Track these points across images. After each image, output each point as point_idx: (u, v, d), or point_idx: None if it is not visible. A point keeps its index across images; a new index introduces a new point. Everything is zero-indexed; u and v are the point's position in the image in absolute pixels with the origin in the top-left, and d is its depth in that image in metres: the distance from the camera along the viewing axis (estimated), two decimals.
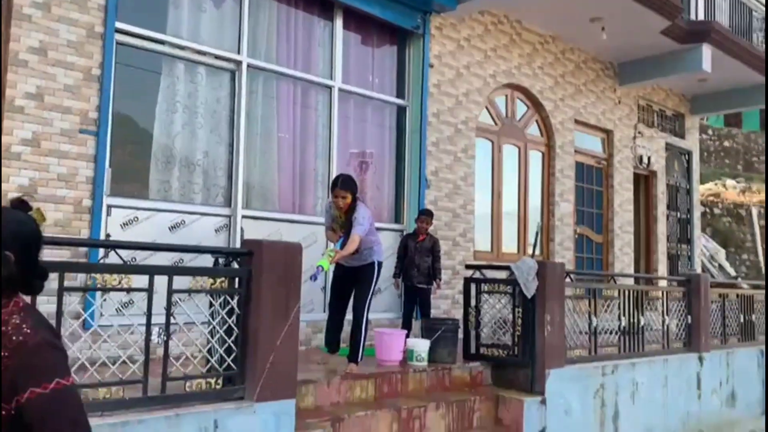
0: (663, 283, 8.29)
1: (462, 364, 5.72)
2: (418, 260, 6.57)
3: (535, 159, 9.32)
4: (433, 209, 7.51)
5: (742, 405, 7.93)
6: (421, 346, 5.54)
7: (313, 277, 4.61)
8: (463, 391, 5.48)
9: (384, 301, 7.14)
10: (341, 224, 5.26)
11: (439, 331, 5.68)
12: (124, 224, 5.34)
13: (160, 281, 3.52)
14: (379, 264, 5.44)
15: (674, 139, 11.96)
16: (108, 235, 5.18)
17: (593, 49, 9.92)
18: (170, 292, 3.53)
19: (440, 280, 6.76)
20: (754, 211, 17.88)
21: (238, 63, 6.16)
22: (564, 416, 5.59)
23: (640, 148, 11.01)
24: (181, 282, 3.64)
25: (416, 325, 6.85)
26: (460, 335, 5.94)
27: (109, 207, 5.25)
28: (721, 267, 15.64)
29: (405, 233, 7.17)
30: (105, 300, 4.45)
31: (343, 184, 5.16)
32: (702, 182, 16.30)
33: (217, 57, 6.05)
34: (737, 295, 8.60)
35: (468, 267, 6.60)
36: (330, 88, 6.90)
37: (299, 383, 4.33)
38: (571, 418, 5.65)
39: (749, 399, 8.08)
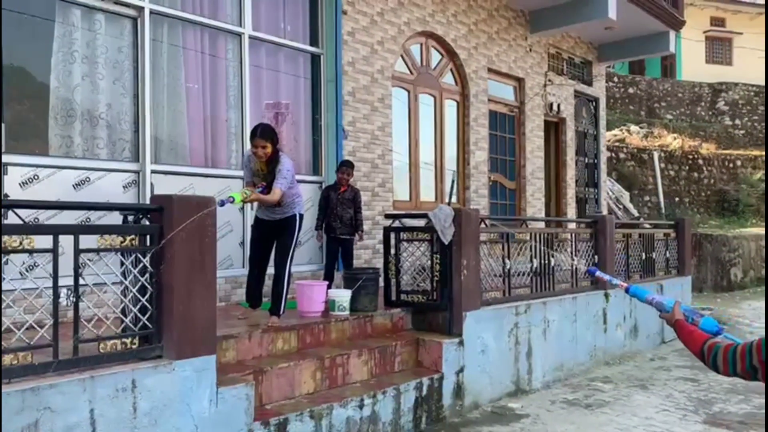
0: (572, 226, 8.68)
1: (383, 311, 5.83)
2: (341, 211, 6.58)
3: (451, 108, 9.41)
4: (351, 160, 7.50)
5: (643, 337, 8.52)
6: (343, 295, 5.60)
7: (221, 203, 4.32)
8: (385, 337, 5.61)
9: (305, 253, 7.13)
10: (263, 177, 5.13)
11: (360, 280, 5.75)
12: (23, 183, 5.03)
13: (66, 242, 3.36)
14: (301, 216, 5.39)
15: (582, 86, 12.36)
16: (6, 195, 4.87)
17: None
18: (77, 252, 3.38)
19: (362, 231, 6.81)
20: (656, 155, 18.86)
21: (140, 9, 5.81)
22: (481, 355, 5.83)
23: (550, 95, 11.32)
24: (88, 242, 3.48)
25: (338, 275, 6.91)
26: (382, 284, 6.04)
27: (5, 165, 4.91)
28: (625, 209, 16.50)
29: (326, 185, 7.13)
30: (6, 263, 4.21)
31: (263, 134, 5.02)
32: (608, 128, 16.98)
33: (116, 2, 5.69)
34: (639, 235, 9.13)
35: (387, 216, 6.67)
36: (240, 35, 6.66)
37: (220, 339, 4.30)
38: (488, 357, 5.90)
39: (649, 331, 8.69)
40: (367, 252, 7.70)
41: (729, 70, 27.75)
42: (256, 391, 4.18)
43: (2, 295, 3.10)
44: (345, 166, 6.75)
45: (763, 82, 25.91)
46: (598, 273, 3.51)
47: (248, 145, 6.53)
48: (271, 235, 5.36)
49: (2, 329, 3.09)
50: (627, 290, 2.97)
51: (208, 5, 6.45)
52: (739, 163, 20.81)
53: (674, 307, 2.57)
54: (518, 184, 10.79)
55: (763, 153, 21.75)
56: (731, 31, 28.38)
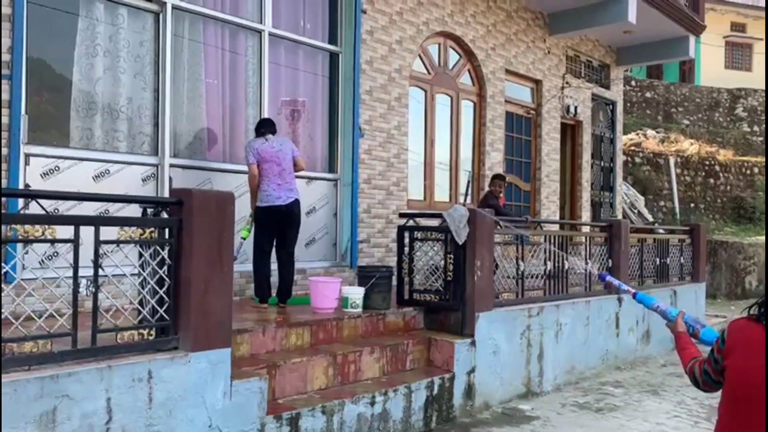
0: (586, 229, 8.66)
1: (396, 309, 5.85)
2: None
3: (467, 108, 9.41)
4: (366, 159, 7.55)
5: (656, 342, 8.48)
6: (356, 293, 5.63)
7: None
8: (397, 336, 5.63)
9: (319, 250, 7.17)
10: None
11: (373, 278, 5.77)
12: (44, 174, 5.11)
13: (87, 233, 3.41)
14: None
15: (600, 89, 12.31)
16: (27, 185, 4.95)
17: None
18: (97, 242, 3.43)
19: None
20: (672, 161, 18.73)
21: (163, 4, 5.87)
22: (492, 356, 5.84)
23: (567, 98, 11.28)
24: (108, 233, 3.53)
25: (351, 273, 6.95)
26: (395, 282, 6.06)
27: (27, 156, 4.99)
28: (640, 213, 16.41)
29: (349, 184, 7.17)
30: (27, 252, 4.28)
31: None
32: (624, 132, 16.90)
33: None
34: (654, 240, 9.08)
35: (401, 215, 6.69)
36: (260, 32, 6.70)
37: (234, 332, 4.33)
38: (499, 358, 5.91)
39: (662, 336, 8.63)
40: (381, 250, 7.73)
41: (749, 76, 27.50)
42: (269, 385, 4.21)
43: (24, 284, 3.15)
44: (496, 180, 8.00)
45: None
46: (609, 278, 3.52)
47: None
48: (282, 224, 5.77)
49: (19, 319, 3.14)
50: (634, 296, 2.97)
51: (230, 2, 6.51)
52: (756, 170, 20.61)
53: (677, 317, 2.56)
54: (533, 186, 10.77)
55: None
56: (752, 36, 28.12)
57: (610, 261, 7.71)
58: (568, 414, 5.74)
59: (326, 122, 7.45)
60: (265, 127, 5.79)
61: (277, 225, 5.67)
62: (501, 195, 8.17)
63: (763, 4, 30.10)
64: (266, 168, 5.62)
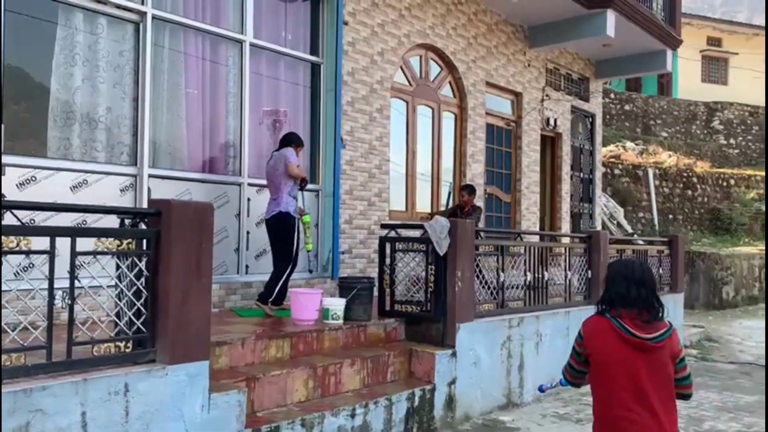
0: (566, 240, 8.72)
1: (377, 320, 5.83)
2: None
3: (448, 120, 9.46)
4: (348, 169, 7.55)
5: None
6: (337, 304, 5.60)
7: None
8: (378, 347, 5.61)
9: (300, 260, 7.12)
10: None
11: (354, 289, 5.75)
12: (20, 184, 5.04)
13: (63, 244, 3.36)
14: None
15: (579, 102, 12.45)
16: (3, 195, 4.87)
17: (504, 11, 10.09)
18: (74, 254, 3.38)
19: None
20: (651, 172, 18.97)
21: (143, 14, 5.85)
22: (473, 367, 5.84)
23: (547, 110, 11.39)
24: (85, 244, 3.49)
25: (332, 284, 6.92)
26: (376, 293, 6.04)
27: (3, 165, 4.92)
28: (619, 225, 16.57)
29: (325, 193, 7.17)
30: (1, 264, 4.20)
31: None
32: (604, 144, 17.09)
33: (119, 7, 5.71)
34: (633, 251, 9.17)
35: (383, 226, 6.69)
36: (241, 42, 6.69)
37: (213, 345, 4.30)
38: (480, 369, 5.91)
39: None
40: (362, 261, 7.71)
41: (724, 90, 27.98)
42: (248, 397, 4.17)
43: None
44: (464, 190, 8.08)
45: (758, 103, 26.15)
46: (546, 388, 3.86)
47: (247, 151, 6.65)
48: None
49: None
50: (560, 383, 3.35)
51: (210, 12, 6.49)
52: (732, 182, 20.95)
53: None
54: (514, 198, 10.84)
55: (757, 173, 21.90)
56: (727, 51, 28.64)
57: (589, 272, 7.76)
58: (549, 425, 5.75)
59: (308, 133, 7.43)
60: (280, 144, 6.27)
61: (269, 236, 6.13)
62: (469, 204, 8.14)
63: (738, 19, 30.68)
64: (267, 184, 6.24)
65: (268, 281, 5.99)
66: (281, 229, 6.00)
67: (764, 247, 17.18)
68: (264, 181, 6.83)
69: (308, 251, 6.31)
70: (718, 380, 7.69)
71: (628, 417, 2.71)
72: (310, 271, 6.76)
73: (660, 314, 2.80)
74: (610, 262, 3.90)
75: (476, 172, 9.77)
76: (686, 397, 2.87)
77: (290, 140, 6.20)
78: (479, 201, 9.78)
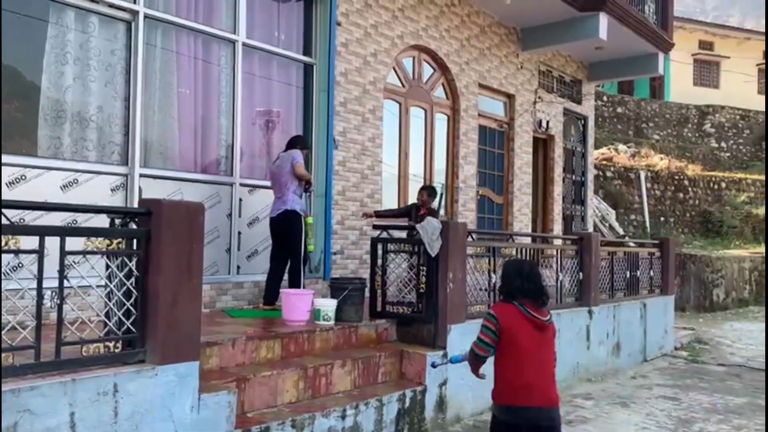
0: (558, 242, 8.74)
1: (368, 321, 5.83)
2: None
3: (441, 121, 9.47)
4: (341, 170, 7.55)
5: (626, 354, 8.57)
6: (328, 305, 5.60)
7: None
8: (369, 348, 5.60)
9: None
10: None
11: (346, 290, 5.75)
12: (10, 183, 5.01)
13: (52, 243, 3.34)
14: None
15: (571, 104, 12.49)
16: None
17: (498, 13, 10.11)
18: (63, 253, 3.36)
19: None
20: (642, 175, 19.05)
21: (135, 13, 5.82)
22: (464, 368, 5.82)
23: (539, 112, 11.42)
24: (75, 244, 3.47)
25: (324, 285, 6.92)
26: (368, 294, 6.04)
27: None
28: (611, 227, 16.63)
29: (317, 194, 7.15)
30: (1, 262, 4.17)
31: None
32: (596, 147, 17.14)
33: (111, 5, 5.69)
34: (624, 253, 9.21)
35: (375, 227, 6.69)
36: (233, 42, 6.68)
37: (203, 345, 4.28)
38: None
39: (632, 349, 8.74)
40: (354, 262, 7.71)
41: (716, 93, 28.16)
42: (238, 398, 4.16)
43: None
44: (423, 190, 7.56)
45: (749, 106, 26.32)
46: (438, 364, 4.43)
47: (239, 152, 6.64)
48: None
49: None
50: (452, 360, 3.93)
51: (203, 11, 6.48)
52: (723, 185, 21.07)
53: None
54: (506, 199, 10.86)
55: (748, 176, 22.03)
56: (719, 54, 28.82)
57: (580, 273, 7.78)
58: None
59: (300, 133, 7.42)
60: (287, 146, 6.44)
61: (274, 235, 6.27)
62: (426, 206, 7.57)
63: (730, 23, 30.83)
64: (271, 184, 6.41)
65: (290, 279, 6.18)
66: (288, 226, 6.15)
67: (755, 250, 17.29)
68: (256, 182, 6.84)
69: (310, 252, 6.34)
70: (708, 382, 7.73)
71: (535, 382, 3.41)
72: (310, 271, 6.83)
73: (546, 302, 3.55)
74: (506, 261, 4.36)
75: (468, 173, 9.78)
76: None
77: (296, 142, 6.42)
78: (471, 203, 9.81)
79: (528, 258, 6.95)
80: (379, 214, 7.53)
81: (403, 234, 6.20)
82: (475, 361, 3.71)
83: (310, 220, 6.30)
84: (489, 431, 3.79)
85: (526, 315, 3.45)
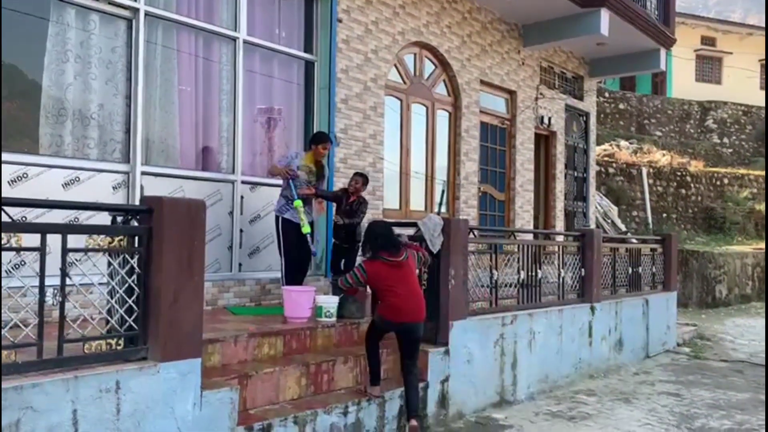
0: (560, 239, 8.73)
1: (370, 318, 5.82)
2: (349, 221, 6.51)
3: (442, 118, 9.47)
4: (342, 167, 7.54)
5: (628, 351, 8.56)
6: (330, 302, 5.60)
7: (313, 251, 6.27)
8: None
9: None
10: (314, 174, 6.35)
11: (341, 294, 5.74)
12: (11, 181, 5.01)
13: (54, 241, 3.35)
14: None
15: (573, 100, 12.47)
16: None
17: (499, 9, 10.10)
18: (65, 251, 3.36)
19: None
20: (644, 171, 19.02)
21: (135, 10, 5.82)
22: (466, 365, 5.84)
23: (541, 109, 11.41)
24: (77, 241, 3.47)
25: (326, 282, 6.92)
26: (369, 291, 6.03)
27: None
28: (613, 223, 16.61)
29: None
30: (1, 259, 4.18)
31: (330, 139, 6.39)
32: (598, 143, 17.12)
33: (111, 3, 5.69)
34: (626, 249, 9.20)
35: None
36: (234, 40, 6.68)
37: (205, 342, 4.29)
38: (473, 367, 5.91)
39: (634, 345, 8.74)
40: (358, 259, 7.69)
41: (718, 89, 28.10)
42: (240, 395, 4.16)
43: None
44: (356, 176, 6.60)
45: (751, 102, 26.25)
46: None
47: (241, 149, 6.62)
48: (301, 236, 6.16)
49: None
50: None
51: (204, 8, 6.47)
52: (726, 181, 21.03)
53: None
54: (508, 196, 10.85)
55: (750, 172, 21.98)
56: (721, 50, 28.74)
57: (582, 270, 7.78)
58: (542, 423, 5.76)
59: (302, 131, 7.43)
60: None
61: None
62: (358, 193, 6.71)
63: (732, 19, 30.73)
64: None
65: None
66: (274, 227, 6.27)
67: (757, 246, 17.26)
68: (257, 179, 6.85)
69: (306, 233, 6.09)
70: (710, 378, 7.72)
71: (401, 305, 4.76)
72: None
73: (399, 248, 4.83)
74: (370, 223, 5.25)
75: (470, 170, 9.77)
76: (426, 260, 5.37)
77: (310, 140, 6.56)
78: (472, 200, 9.80)
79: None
80: (317, 195, 6.71)
81: (405, 231, 6.19)
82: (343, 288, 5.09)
83: (297, 203, 6.05)
84: (368, 329, 5.05)
85: (385, 262, 4.77)
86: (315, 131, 7.38)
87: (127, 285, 3.61)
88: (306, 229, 6.08)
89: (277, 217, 6.20)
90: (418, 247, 5.29)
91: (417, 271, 5.02)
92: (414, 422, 4.81)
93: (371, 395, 4.88)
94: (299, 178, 6.22)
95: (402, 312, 4.77)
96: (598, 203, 15.66)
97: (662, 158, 20.52)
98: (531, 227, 11.10)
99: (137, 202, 5.39)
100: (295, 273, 6.18)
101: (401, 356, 4.98)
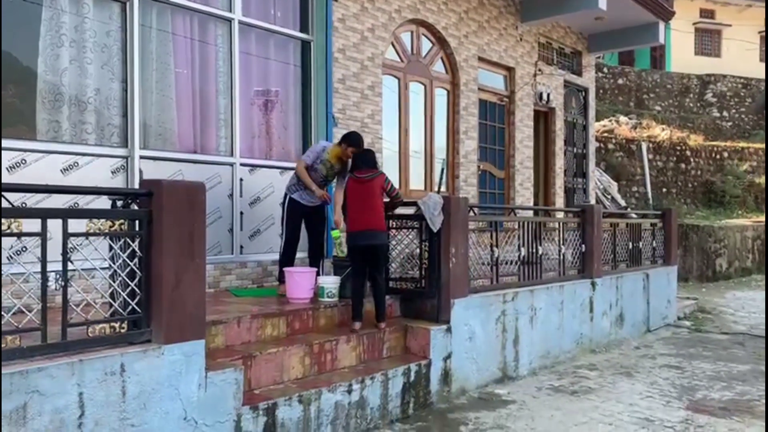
0: (560, 215, 8.74)
1: (372, 298, 5.84)
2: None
3: (441, 96, 9.42)
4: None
5: (629, 325, 8.61)
6: (332, 282, 5.62)
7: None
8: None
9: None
10: (335, 172, 6.11)
11: (349, 267, 5.76)
12: (10, 167, 5.01)
13: (55, 226, 3.35)
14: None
15: (572, 76, 12.39)
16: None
17: None
18: (66, 235, 3.37)
19: None
20: (644, 146, 18.97)
21: None
22: (468, 342, 5.88)
23: (540, 85, 11.34)
24: (77, 226, 3.48)
25: (327, 262, 6.92)
26: None
27: None
28: (613, 199, 16.60)
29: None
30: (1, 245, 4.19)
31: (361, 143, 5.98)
32: (597, 119, 17.06)
33: None
34: (626, 225, 9.21)
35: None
36: (230, 21, 6.62)
37: (209, 324, 4.31)
38: (475, 344, 5.95)
39: (635, 319, 8.79)
40: None
41: (717, 62, 27.92)
42: (244, 375, 4.20)
43: None
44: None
45: (751, 75, 26.10)
46: None
47: (239, 131, 6.59)
48: (309, 218, 6.18)
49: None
50: None
51: None
52: (726, 154, 20.98)
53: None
54: (507, 174, 10.84)
55: (750, 145, 21.93)
56: (720, 23, 28.51)
57: (583, 246, 7.79)
58: (544, 397, 5.81)
59: (299, 112, 7.40)
60: None
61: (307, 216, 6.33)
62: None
63: None
64: None
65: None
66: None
67: (757, 219, 17.28)
68: (256, 161, 6.84)
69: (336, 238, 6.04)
70: (711, 351, 7.77)
71: (361, 214, 5.37)
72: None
73: (370, 170, 5.49)
74: (358, 151, 5.78)
75: (469, 148, 9.75)
76: (398, 202, 5.79)
77: (343, 137, 6.08)
78: (472, 178, 9.79)
79: (531, 229, 6.97)
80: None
81: (405, 210, 6.20)
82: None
83: (335, 233, 5.97)
84: (347, 255, 5.63)
85: (355, 178, 5.46)
86: (313, 112, 7.36)
87: (128, 269, 3.62)
88: (336, 233, 6.02)
89: (285, 195, 6.13)
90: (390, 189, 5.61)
91: (382, 194, 5.49)
92: (383, 325, 5.46)
93: (351, 329, 5.29)
94: (318, 171, 6.04)
95: (359, 221, 5.34)
96: (597, 179, 15.64)
97: (662, 133, 20.46)
98: (531, 204, 11.10)
99: (137, 186, 5.39)
100: (292, 254, 6.14)
101: (369, 271, 5.45)
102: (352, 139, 5.95)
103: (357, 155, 5.67)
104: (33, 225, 3.28)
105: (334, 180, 6.20)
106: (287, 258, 6.10)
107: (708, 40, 28.68)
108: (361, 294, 5.40)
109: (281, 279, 6.03)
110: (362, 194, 5.39)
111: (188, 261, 3.78)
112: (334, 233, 5.98)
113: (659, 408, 5.48)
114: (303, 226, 6.20)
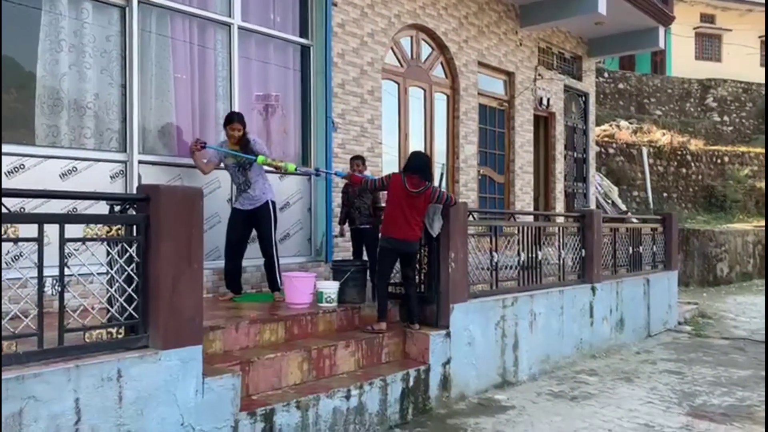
0: (560, 220, 8.72)
1: (371, 303, 5.84)
2: (358, 203, 6.60)
3: (440, 101, 9.42)
4: (340, 153, 7.52)
5: (629, 330, 8.58)
6: (331, 287, 5.61)
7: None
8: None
9: (293, 245, 7.13)
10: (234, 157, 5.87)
11: (348, 272, 5.76)
12: (8, 172, 5.00)
13: (52, 231, 3.34)
14: (273, 203, 5.90)
15: (572, 81, 12.40)
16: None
17: None
18: (62, 240, 3.36)
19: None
20: (645, 151, 18.95)
21: None
22: (467, 347, 5.86)
23: (540, 90, 11.34)
24: (74, 231, 3.47)
25: (326, 267, 6.92)
26: (370, 276, 6.04)
27: None
28: (614, 204, 16.59)
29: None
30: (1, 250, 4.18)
31: (240, 118, 5.81)
32: (597, 123, 17.04)
33: None
34: (627, 229, 9.19)
35: (376, 209, 6.67)
36: (229, 26, 6.62)
37: (206, 329, 4.30)
38: (474, 349, 5.93)
39: (636, 325, 8.76)
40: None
41: (718, 67, 27.92)
42: (242, 381, 4.18)
43: None
44: (356, 160, 6.74)
45: (751, 79, 26.11)
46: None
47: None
48: (247, 225, 5.91)
49: None
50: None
51: None
52: (726, 159, 20.96)
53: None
54: (507, 178, 10.83)
55: (751, 150, 21.92)
56: (721, 27, 28.52)
57: (583, 251, 7.78)
58: (544, 403, 5.79)
59: (299, 116, 7.39)
60: None
61: (243, 223, 6.05)
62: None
63: None
64: None
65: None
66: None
67: (758, 224, 17.25)
68: None
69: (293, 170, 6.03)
70: (711, 356, 7.75)
71: (405, 226, 5.42)
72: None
73: (426, 180, 5.46)
74: (413, 153, 5.92)
75: (469, 153, 9.74)
76: (450, 205, 5.67)
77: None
78: (472, 183, 9.78)
79: (533, 232, 6.96)
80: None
81: None
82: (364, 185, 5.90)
83: (260, 159, 5.72)
84: (378, 263, 5.64)
85: (403, 185, 5.41)
86: (312, 117, 7.35)
87: (126, 274, 3.61)
88: (291, 167, 5.92)
89: (274, 203, 6.00)
90: (448, 199, 5.66)
91: (426, 206, 5.55)
92: (417, 326, 5.61)
93: (376, 330, 5.39)
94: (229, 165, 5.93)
95: (401, 230, 5.43)
96: (598, 184, 15.63)
97: (662, 137, 20.44)
98: (531, 209, 11.08)
99: (135, 191, 5.38)
100: (232, 264, 5.91)
101: (402, 269, 5.72)
102: (228, 117, 5.83)
103: (410, 159, 5.64)
104: (30, 230, 3.27)
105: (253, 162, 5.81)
106: (231, 265, 5.91)
107: (708, 45, 28.69)
108: (387, 295, 5.61)
109: (228, 286, 5.96)
110: (410, 205, 5.42)
111: (186, 266, 3.77)
112: (260, 159, 5.67)
113: (659, 414, 5.46)
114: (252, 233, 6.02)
